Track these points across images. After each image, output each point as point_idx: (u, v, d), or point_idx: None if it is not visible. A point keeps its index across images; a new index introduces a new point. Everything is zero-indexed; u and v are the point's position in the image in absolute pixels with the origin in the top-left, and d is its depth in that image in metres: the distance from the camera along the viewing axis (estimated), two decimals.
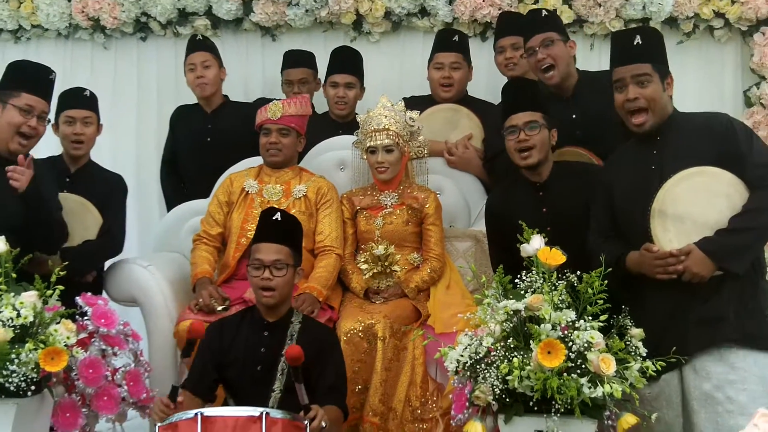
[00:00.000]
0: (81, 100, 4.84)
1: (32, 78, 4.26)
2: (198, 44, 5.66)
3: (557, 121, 4.30)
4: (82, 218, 4.63)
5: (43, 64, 4.48)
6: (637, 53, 3.74)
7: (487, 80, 5.74)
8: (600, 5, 5.53)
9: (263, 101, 5.21)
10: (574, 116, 4.63)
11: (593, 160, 4.50)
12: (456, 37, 5.39)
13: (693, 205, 3.58)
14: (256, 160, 4.96)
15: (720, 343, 3.53)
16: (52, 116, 4.74)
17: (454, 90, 5.31)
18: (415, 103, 5.20)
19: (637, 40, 3.75)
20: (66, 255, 4.28)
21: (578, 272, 3.29)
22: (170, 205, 5.60)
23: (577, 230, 3.93)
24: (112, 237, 4.72)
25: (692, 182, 3.60)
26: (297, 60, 5.72)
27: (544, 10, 4.92)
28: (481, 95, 5.55)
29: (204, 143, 5.58)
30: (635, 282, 3.66)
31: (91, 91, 4.90)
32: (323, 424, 3.33)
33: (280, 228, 3.90)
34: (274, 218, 3.90)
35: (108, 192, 4.82)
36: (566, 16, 5.56)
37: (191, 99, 5.80)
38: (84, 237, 4.61)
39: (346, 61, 5.53)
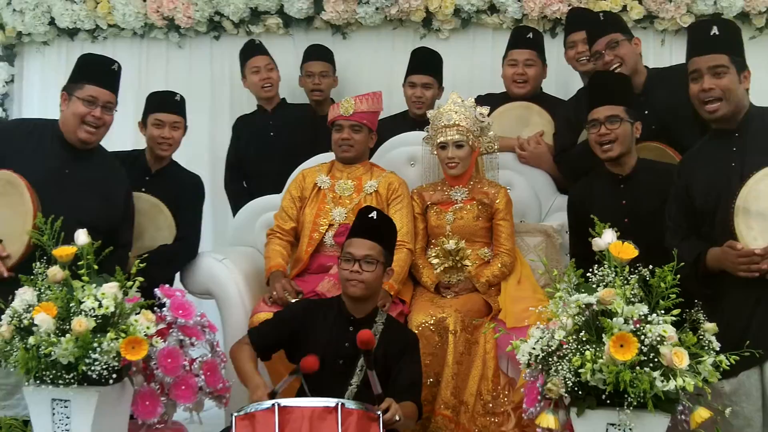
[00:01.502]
0: (171, 104, 4.93)
1: (95, 70, 4.33)
2: (259, 48, 5.88)
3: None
4: (153, 219, 4.73)
5: (106, 56, 4.57)
6: (714, 44, 3.72)
7: (556, 76, 5.78)
8: (671, 1, 5.51)
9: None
10: (646, 112, 4.62)
11: (670, 153, 4.51)
12: (530, 35, 5.41)
13: None
14: (328, 156, 5.02)
15: None
16: (139, 115, 4.89)
17: (528, 86, 5.34)
18: (489, 100, 5.25)
19: (714, 30, 3.73)
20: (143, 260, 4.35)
21: (651, 266, 3.28)
22: (235, 208, 5.72)
23: (654, 225, 3.96)
24: (188, 244, 4.82)
25: None
26: (319, 54, 5.90)
27: (601, 13, 4.95)
28: (551, 91, 5.59)
29: (268, 140, 5.76)
30: (715, 279, 3.64)
31: (181, 96, 4.99)
32: (397, 417, 3.38)
33: (375, 226, 3.94)
34: (370, 216, 3.95)
35: (185, 194, 4.92)
36: (636, 12, 5.57)
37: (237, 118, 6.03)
38: (155, 238, 4.71)
39: (424, 62, 5.59)
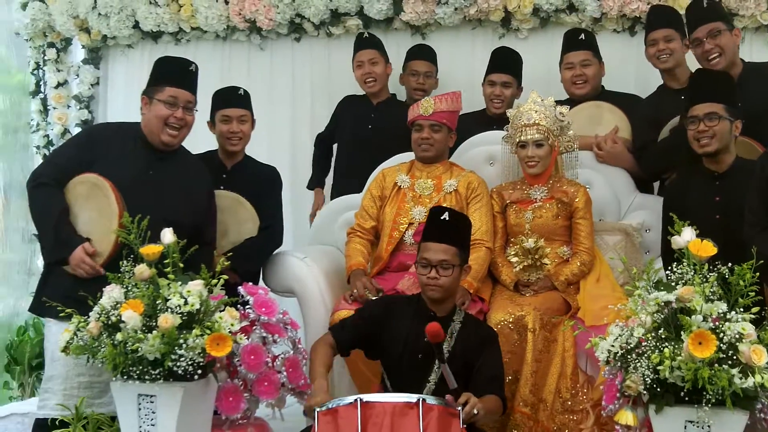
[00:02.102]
0: (236, 99, 5.02)
1: (173, 71, 4.42)
2: (365, 42, 5.89)
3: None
4: (236, 215, 4.80)
5: (183, 57, 4.66)
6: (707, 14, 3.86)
7: (636, 74, 5.75)
8: None
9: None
10: (739, 104, 4.62)
11: (758, 149, 4.49)
12: (582, 36, 5.43)
13: None
14: (408, 156, 5.06)
15: None
16: (207, 114, 4.96)
17: (588, 86, 5.34)
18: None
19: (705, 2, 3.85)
20: (232, 256, 4.40)
21: (730, 264, 3.27)
22: (313, 177, 5.95)
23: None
24: (272, 232, 4.90)
25: None
26: (425, 53, 5.91)
27: (704, 1, 4.85)
28: (630, 89, 5.56)
29: (366, 131, 5.81)
30: None
31: (245, 90, 5.08)
32: (475, 410, 3.40)
33: (448, 228, 3.95)
34: (442, 218, 3.96)
35: (263, 185, 4.99)
36: None
37: (346, 94, 6.05)
38: (239, 232, 4.78)
39: (504, 61, 5.62)
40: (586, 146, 5.09)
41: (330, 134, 6.06)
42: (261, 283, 4.72)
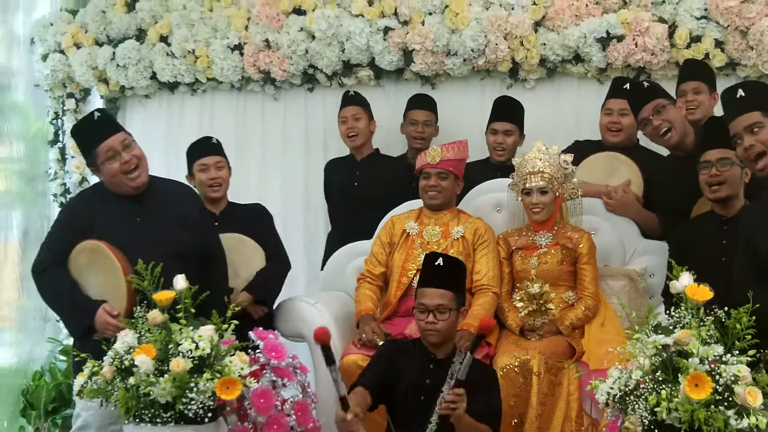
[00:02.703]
0: (210, 147, 5.18)
1: (91, 131, 4.38)
2: (350, 99, 6.01)
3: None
4: (242, 252, 4.90)
5: (87, 114, 4.73)
6: (742, 105, 3.81)
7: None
8: (752, 48, 5.51)
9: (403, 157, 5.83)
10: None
11: None
12: (627, 85, 5.46)
13: None
14: (417, 203, 5.14)
15: None
16: (238, 164, 5.09)
17: (622, 135, 5.39)
18: (584, 147, 5.42)
19: (740, 93, 3.82)
20: (250, 290, 4.57)
21: (726, 308, 3.34)
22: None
23: None
24: (280, 258, 5.07)
25: None
26: (423, 103, 6.03)
27: (645, 82, 5.12)
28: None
29: (351, 188, 5.92)
30: None
31: (217, 139, 5.24)
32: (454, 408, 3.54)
33: (443, 272, 4.05)
34: (436, 263, 4.06)
35: (255, 220, 5.13)
36: (719, 60, 5.57)
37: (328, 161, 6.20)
38: (249, 269, 4.90)
39: (506, 110, 5.71)
40: (595, 194, 5.18)
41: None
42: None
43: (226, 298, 4.32)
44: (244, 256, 4.90)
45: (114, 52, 6.80)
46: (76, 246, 4.25)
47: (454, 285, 4.05)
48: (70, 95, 7.14)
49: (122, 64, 6.78)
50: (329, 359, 3.54)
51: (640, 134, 5.39)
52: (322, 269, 5.70)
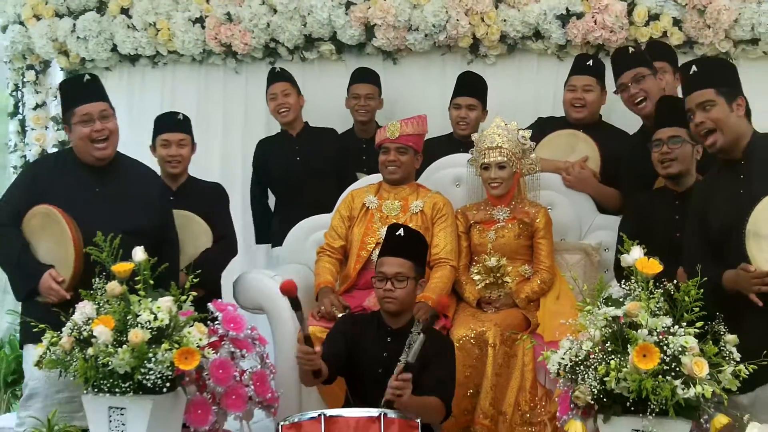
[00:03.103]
0: (175, 123, 5.15)
1: (76, 91, 4.45)
2: (277, 75, 6.02)
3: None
4: (190, 230, 4.88)
5: (80, 73, 4.75)
6: (697, 81, 3.88)
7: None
8: (709, 27, 5.59)
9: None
10: None
11: None
12: (590, 62, 5.53)
13: None
14: (377, 177, 5.19)
15: None
16: (199, 138, 5.14)
17: (585, 111, 5.42)
18: (548, 123, 5.50)
19: (693, 69, 3.89)
20: (191, 269, 4.39)
21: (675, 281, 3.43)
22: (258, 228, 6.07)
23: None
24: (227, 242, 5.05)
25: None
26: (366, 76, 6.07)
27: (630, 47, 5.16)
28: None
29: (294, 163, 5.93)
30: (732, 302, 3.72)
31: (184, 115, 5.22)
32: (397, 393, 3.57)
33: (403, 243, 4.11)
34: (397, 234, 4.12)
35: (211, 200, 5.13)
36: (676, 38, 5.66)
37: (318, 119, 6.16)
38: (196, 246, 4.88)
39: (469, 85, 5.76)
40: (553, 170, 5.24)
41: (261, 186, 6.22)
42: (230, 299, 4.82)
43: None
44: (190, 234, 4.88)
45: (74, 24, 6.75)
46: (31, 208, 4.26)
47: (414, 255, 4.11)
48: (30, 67, 7.08)
49: (83, 36, 6.73)
50: (296, 306, 3.68)
51: (605, 108, 5.54)
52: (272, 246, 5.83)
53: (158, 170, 5.02)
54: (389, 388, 3.57)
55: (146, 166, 4.75)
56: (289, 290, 3.69)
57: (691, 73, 3.92)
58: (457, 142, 5.66)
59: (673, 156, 4.38)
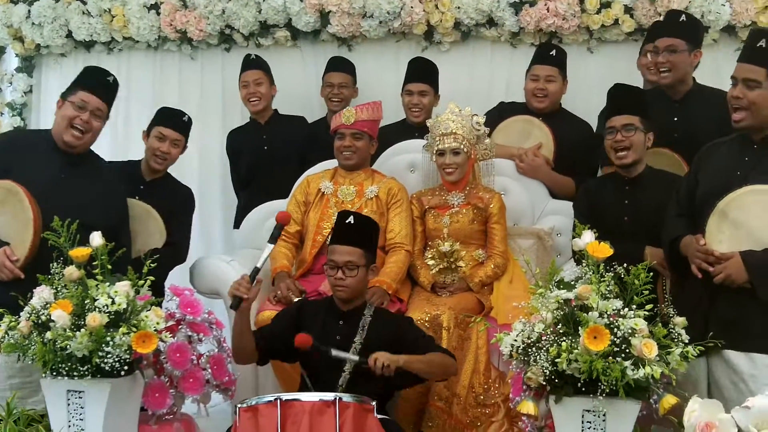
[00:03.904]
0: (177, 123, 5.09)
1: (91, 78, 4.52)
2: (251, 63, 6.03)
3: (657, 120, 4.59)
4: (146, 225, 4.86)
5: (105, 69, 4.74)
6: (755, 55, 3.87)
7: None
8: (660, 14, 5.68)
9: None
10: (675, 119, 4.91)
11: (679, 161, 4.75)
12: (553, 52, 5.58)
13: (756, 219, 3.72)
14: (332, 163, 5.22)
15: (748, 349, 3.71)
16: (145, 125, 5.08)
17: (547, 101, 5.48)
18: (509, 109, 5.56)
19: (762, 43, 3.84)
20: (135, 264, 4.21)
21: (625, 264, 3.49)
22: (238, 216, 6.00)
23: (651, 227, 4.23)
24: (177, 248, 4.97)
25: (765, 199, 3.74)
26: (340, 65, 6.09)
27: (684, 15, 5.08)
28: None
29: (262, 152, 5.96)
30: (684, 262, 3.87)
31: (189, 117, 5.16)
32: (386, 363, 3.71)
33: (353, 230, 4.13)
34: (347, 221, 4.14)
35: (177, 204, 5.07)
36: (627, 26, 5.78)
37: (274, 105, 6.16)
38: (147, 242, 4.82)
39: (420, 71, 5.79)
40: (507, 156, 5.31)
41: (237, 174, 6.23)
42: (187, 284, 4.85)
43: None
44: (145, 229, 4.85)
45: (29, 10, 6.73)
46: None
47: (364, 243, 4.13)
48: None
49: (38, 23, 6.71)
50: (274, 239, 3.86)
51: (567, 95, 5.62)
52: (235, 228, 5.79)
53: (141, 158, 5.08)
54: (376, 368, 3.70)
55: (117, 173, 4.76)
56: (283, 220, 3.92)
57: (758, 45, 3.86)
58: (410, 128, 5.71)
59: (628, 144, 4.45)
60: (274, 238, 3.85)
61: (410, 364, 3.79)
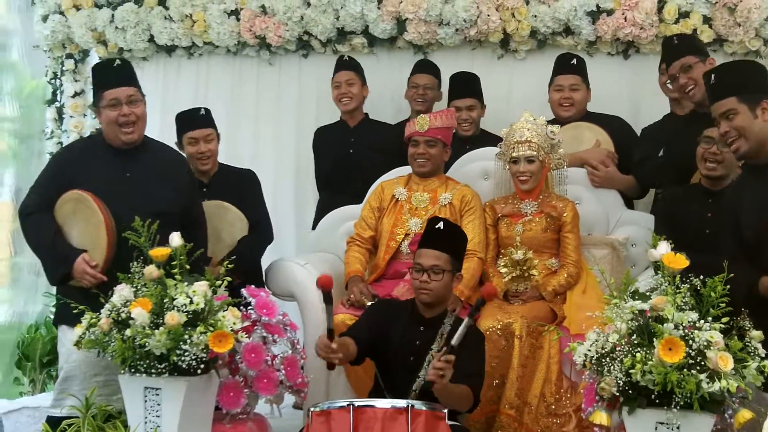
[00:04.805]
0: (199, 120, 5.15)
1: (104, 75, 4.54)
2: (344, 64, 6.08)
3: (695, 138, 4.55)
4: (224, 218, 4.95)
5: (110, 58, 4.82)
6: (720, 90, 3.91)
7: (629, 96, 5.99)
8: (740, 25, 5.63)
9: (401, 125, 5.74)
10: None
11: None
12: (574, 61, 5.62)
13: None
14: (406, 169, 5.24)
15: None
16: (229, 128, 5.16)
17: (573, 109, 5.54)
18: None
19: (713, 78, 3.93)
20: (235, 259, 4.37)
21: (702, 276, 3.47)
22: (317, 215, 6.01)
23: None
24: (262, 228, 5.08)
25: None
26: (426, 67, 6.12)
27: (675, 38, 5.12)
28: (623, 112, 5.76)
29: (347, 154, 5.99)
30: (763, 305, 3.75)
31: (206, 109, 5.22)
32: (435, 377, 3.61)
33: (442, 236, 4.14)
34: (437, 227, 4.16)
35: (243, 187, 5.15)
36: (706, 36, 5.70)
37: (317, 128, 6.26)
38: (232, 234, 4.93)
39: (464, 86, 5.84)
40: (580, 161, 5.30)
41: (319, 170, 6.25)
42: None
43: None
44: (226, 222, 4.94)
45: (113, 15, 6.84)
46: (62, 195, 4.33)
47: (451, 249, 4.14)
48: (69, 56, 7.16)
49: (121, 27, 6.81)
50: (328, 300, 3.76)
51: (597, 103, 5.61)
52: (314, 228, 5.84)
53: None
54: (432, 368, 3.60)
55: (173, 149, 4.83)
56: (325, 284, 3.75)
57: (711, 82, 3.94)
58: (463, 141, 5.72)
59: (721, 158, 4.42)
60: (328, 301, 3.80)
61: (444, 390, 3.67)
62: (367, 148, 5.96)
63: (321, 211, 5.92)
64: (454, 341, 3.62)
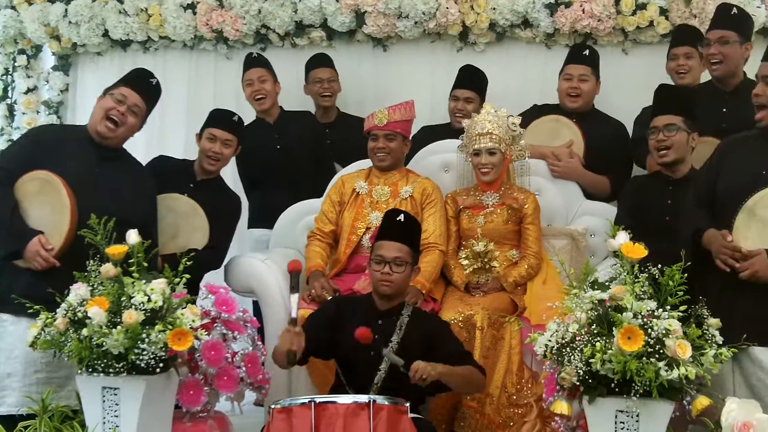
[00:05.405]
0: (227, 123, 5.06)
1: (135, 77, 4.65)
2: (254, 61, 6.03)
3: (706, 110, 4.65)
4: (191, 221, 4.86)
5: (151, 71, 4.82)
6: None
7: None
8: (695, 16, 5.69)
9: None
10: (724, 110, 4.95)
11: None
12: (587, 51, 5.60)
13: None
14: (366, 163, 5.23)
15: None
16: (189, 125, 5.11)
17: (580, 100, 5.51)
18: (542, 111, 5.57)
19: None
20: (171, 261, 4.27)
21: (660, 265, 3.50)
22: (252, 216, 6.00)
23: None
24: (216, 254, 4.95)
25: None
26: (325, 61, 6.16)
27: (735, 8, 5.08)
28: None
29: (275, 151, 5.90)
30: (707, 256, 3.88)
31: (239, 117, 5.15)
32: (424, 376, 3.68)
33: (402, 228, 4.15)
34: (397, 219, 4.16)
35: (224, 209, 5.05)
36: (662, 27, 5.78)
37: (311, 104, 6.23)
38: (188, 240, 4.82)
39: (468, 78, 5.81)
40: (541, 156, 5.31)
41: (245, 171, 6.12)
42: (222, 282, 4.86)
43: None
44: (189, 225, 4.85)
45: (66, 9, 6.77)
46: (28, 171, 4.28)
47: (412, 241, 4.16)
48: (21, 51, 7.09)
49: (74, 21, 6.74)
50: (294, 288, 3.84)
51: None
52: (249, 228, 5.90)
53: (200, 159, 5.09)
54: (414, 379, 3.69)
55: (147, 170, 4.80)
56: (295, 268, 3.86)
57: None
58: (454, 132, 5.64)
59: (669, 143, 4.48)
60: (294, 288, 3.84)
61: (447, 377, 3.77)
62: (294, 141, 5.89)
63: (256, 211, 5.92)
64: (402, 367, 3.75)
